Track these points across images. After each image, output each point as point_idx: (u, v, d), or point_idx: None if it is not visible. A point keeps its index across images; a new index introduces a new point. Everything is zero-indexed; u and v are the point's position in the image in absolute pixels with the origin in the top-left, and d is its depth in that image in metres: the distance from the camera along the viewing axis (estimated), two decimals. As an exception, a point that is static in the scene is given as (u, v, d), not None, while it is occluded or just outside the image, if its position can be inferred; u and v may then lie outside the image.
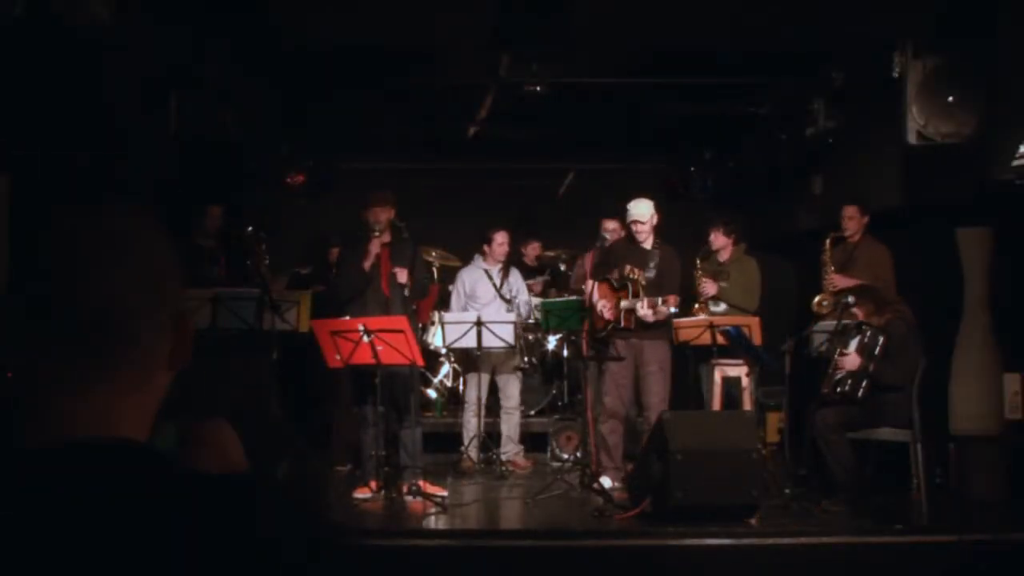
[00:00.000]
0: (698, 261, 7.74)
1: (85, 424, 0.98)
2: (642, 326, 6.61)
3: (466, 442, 7.60)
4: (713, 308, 7.65)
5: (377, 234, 6.35)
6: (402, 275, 6.34)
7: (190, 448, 1.16)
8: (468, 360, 7.72)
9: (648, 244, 6.82)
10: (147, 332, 1.02)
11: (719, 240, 7.78)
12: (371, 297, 6.41)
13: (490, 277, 7.82)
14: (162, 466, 0.99)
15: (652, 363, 6.65)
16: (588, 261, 8.06)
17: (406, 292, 6.43)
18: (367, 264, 6.34)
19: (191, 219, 7.39)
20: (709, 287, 7.60)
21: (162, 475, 0.98)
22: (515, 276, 7.99)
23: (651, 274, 6.68)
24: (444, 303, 8.58)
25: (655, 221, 6.82)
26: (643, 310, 6.53)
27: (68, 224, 1.01)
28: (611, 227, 7.78)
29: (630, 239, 6.85)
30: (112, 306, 0.99)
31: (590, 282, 6.95)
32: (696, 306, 7.62)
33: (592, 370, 7.06)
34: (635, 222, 6.77)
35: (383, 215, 6.42)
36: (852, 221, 7.15)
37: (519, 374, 7.83)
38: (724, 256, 7.78)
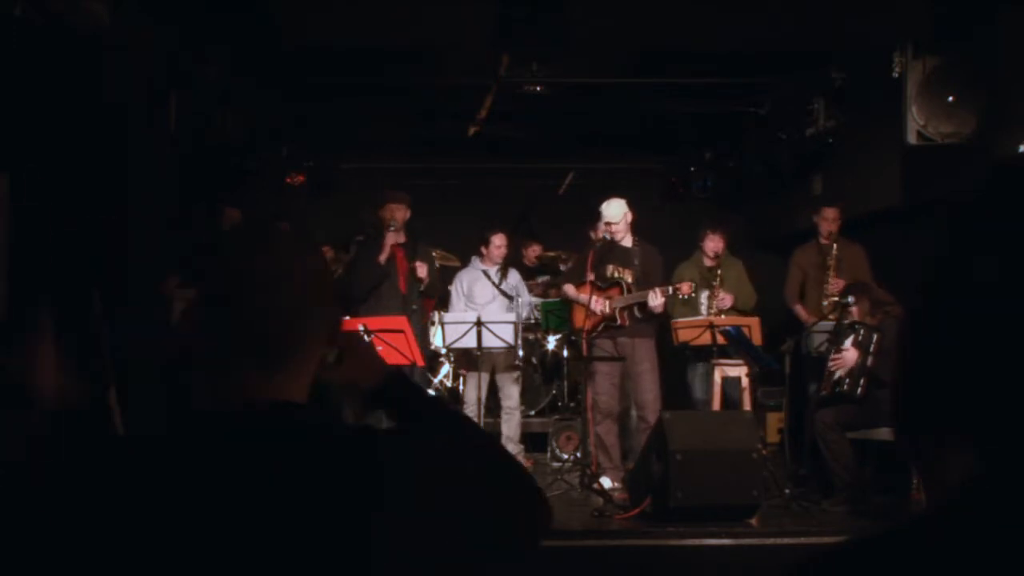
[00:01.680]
0: (710, 275, 7.59)
1: (264, 392, 1.28)
2: (637, 324, 6.62)
3: None
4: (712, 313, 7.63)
5: (392, 229, 6.38)
6: (422, 269, 6.38)
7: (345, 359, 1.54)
8: (468, 360, 7.71)
9: (628, 243, 6.83)
10: (310, 332, 1.33)
11: (719, 245, 7.72)
12: (387, 294, 6.44)
13: (488, 277, 7.81)
14: (319, 421, 1.28)
15: (644, 361, 6.66)
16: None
17: (422, 288, 6.47)
18: (383, 257, 6.37)
19: (208, 221, 7.33)
20: (728, 299, 7.58)
21: (319, 428, 1.27)
22: (514, 276, 7.97)
23: (637, 272, 6.70)
24: (443, 303, 8.58)
25: (629, 219, 6.82)
26: (656, 300, 6.52)
27: (257, 256, 1.33)
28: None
29: (613, 240, 6.84)
30: (286, 318, 1.30)
31: (569, 286, 6.94)
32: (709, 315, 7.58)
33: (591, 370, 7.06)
34: (608, 224, 6.78)
35: (399, 213, 6.47)
36: (835, 223, 7.20)
37: (518, 374, 7.82)
38: (711, 262, 7.72)
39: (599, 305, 6.74)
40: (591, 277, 6.77)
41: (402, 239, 6.47)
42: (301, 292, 1.31)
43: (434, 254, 9.01)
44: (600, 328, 6.73)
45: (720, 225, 7.81)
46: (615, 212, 6.77)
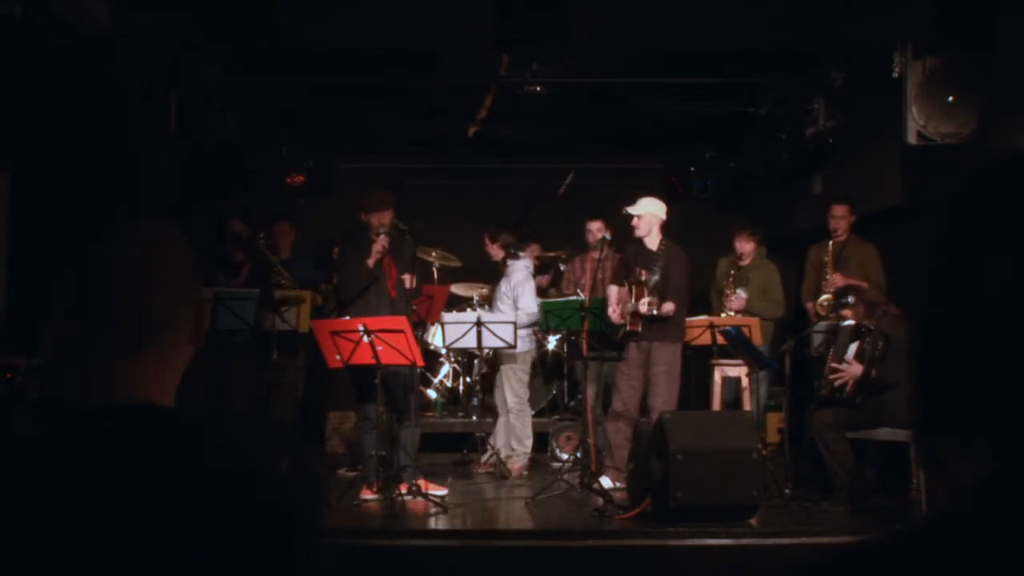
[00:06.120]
0: (731, 272, 7.75)
1: (124, 388, 1.28)
2: (652, 327, 6.57)
3: (489, 442, 7.59)
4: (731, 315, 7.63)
5: (382, 234, 6.34)
6: (410, 281, 6.36)
7: None
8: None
9: (654, 245, 6.74)
10: (171, 321, 1.34)
11: (747, 246, 7.77)
12: (376, 299, 6.39)
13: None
14: (173, 425, 1.28)
15: (659, 364, 6.58)
16: (577, 265, 7.97)
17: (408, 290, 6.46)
18: (371, 262, 6.33)
19: (217, 230, 7.24)
20: (738, 301, 7.57)
21: (172, 433, 1.25)
22: (515, 278, 7.80)
23: (656, 276, 6.61)
24: (449, 304, 8.61)
25: (656, 220, 6.69)
26: (644, 308, 6.49)
27: (114, 242, 1.35)
28: (595, 227, 7.71)
29: (640, 240, 6.77)
30: (147, 305, 1.32)
31: (612, 287, 6.85)
32: (722, 316, 7.58)
33: (592, 370, 7.03)
34: (632, 216, 6.71)
35: (386, 218, 6.41)
36: (843, 220, 7.16)
37: (511, 371, 7.69)
38: (746, 260, 7.77)
39: (614, 314, 6.69)
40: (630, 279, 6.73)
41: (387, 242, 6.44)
42: (160, 283, 1.34)
43: (433, 254, 9.03)
44: (621, 333, 6.68)
45: (747, 227, 7.85)
46: (639, 206, 6.66)
